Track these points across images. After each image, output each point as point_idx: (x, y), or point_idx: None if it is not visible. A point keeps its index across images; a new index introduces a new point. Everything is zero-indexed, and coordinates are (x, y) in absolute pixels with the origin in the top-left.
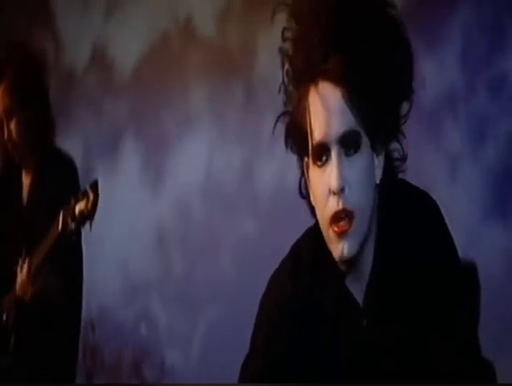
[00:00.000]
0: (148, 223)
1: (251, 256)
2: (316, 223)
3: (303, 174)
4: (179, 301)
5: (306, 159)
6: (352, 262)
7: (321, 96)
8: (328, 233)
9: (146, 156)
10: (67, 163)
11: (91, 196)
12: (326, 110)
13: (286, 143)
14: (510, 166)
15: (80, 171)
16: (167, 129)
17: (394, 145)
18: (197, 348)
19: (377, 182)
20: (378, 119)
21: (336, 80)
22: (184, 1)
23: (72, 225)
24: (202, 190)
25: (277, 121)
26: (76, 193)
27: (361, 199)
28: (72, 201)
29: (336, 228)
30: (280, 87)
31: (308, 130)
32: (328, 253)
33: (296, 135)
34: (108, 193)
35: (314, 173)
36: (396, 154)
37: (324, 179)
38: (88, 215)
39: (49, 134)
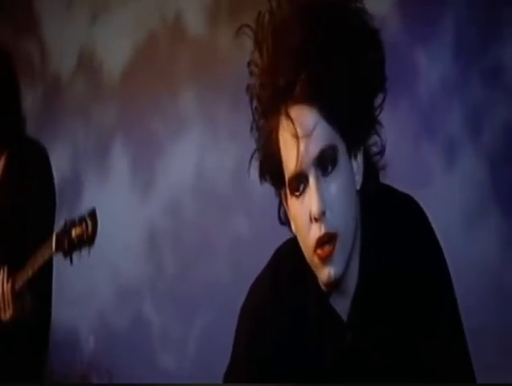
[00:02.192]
0: (140, 226)
1: (245, 258)
2: None
3: (281, 202)
4: (173, 303)
5: (284, 189)
6: (338, 282)
7: (292, 121)
8: (313, 259)
9: (136, 159)
10: (39, 152)
11: (90, 224)
12: (298, 135)
13: (260, 178)
14: (506, 155)
15: (69, 177)
16: (156, 131)
17: (372, 139)
18: (191, 350)
19: (358, 188)
20: (353, 120)
21: (307, 100)
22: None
23: (67, 248)
24: (194, 192)
25: (251, 159)
26: (54, 201)
27: (344, 218)
28: (67, 224)
29: (320, 252)
30: (251, 125)
31: (282, 162)
32: (310, 270)
33: (271, 169)
34: (98, 197)
35: (293, 204)
36: (374, 149)
37: (304, 208)
38: (88, 241)
39: (19, 123)
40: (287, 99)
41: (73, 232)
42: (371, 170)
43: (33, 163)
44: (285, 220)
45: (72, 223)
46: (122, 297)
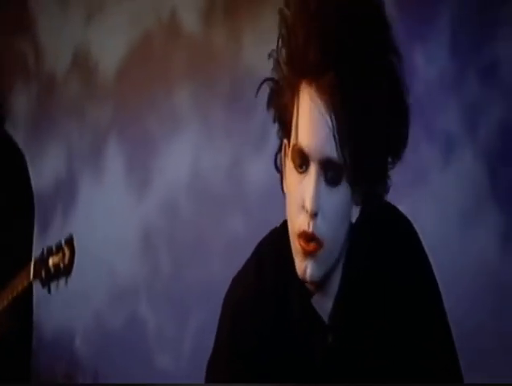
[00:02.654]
0: (135, 225)
1: (241, 257)
2: (284, 225)
3: (280, 150)
4: (168, 303)
5: (285, 141)
6: (315, 283)
7: (313, 105)
8: (295, 243)
9: (131, 158)
10: (14, 153)
11: (67, 253)
12: (314, 124)
13: (268, 106)
14: (503, 153)
15: (64, 176)
16: (152, 130)
17: (377, 188)
18: (187, 350)
19: (353, 221)
20: (363, 165)
21: (329, 100)
22: None
23: (44, 277)
24: (189, 191)
25: (261, 84)
26: (32, 227)
27: (333, 232)
28: (45, 252)
29: (302, 244)
30: (271, 54)
31: (293, 122)
32: (293, 265)
33: (280, 113)
34: (93, 197)
35: (292, 173)
36: (379, 190)
37: (301, 189)
38: (65, 271)
39: None
40: (314, 78)
41: (50, 261)
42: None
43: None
44: (280, 168)
45: (49, 252)
46: (118, 297)
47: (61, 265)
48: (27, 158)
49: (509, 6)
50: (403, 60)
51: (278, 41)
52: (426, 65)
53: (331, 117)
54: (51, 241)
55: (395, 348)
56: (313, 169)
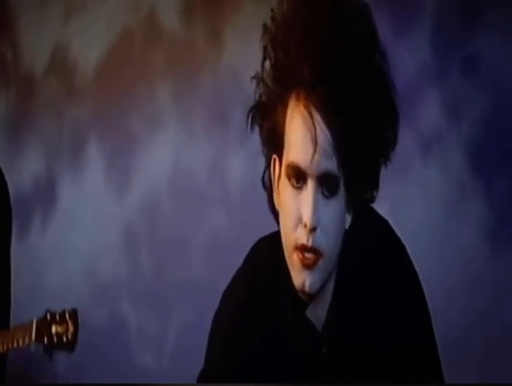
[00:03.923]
0: (116, 224)
1: (223, 255)
2: (274, 236)
3: (268, 166)
4: (150, 301)
5: (275, 156)
6: (312, 295)
7: (306, 121)
8: (292, 256)
9: (111, 156)
10: None
11: (71, 328)
12: (309, 140)
13: (251, 126)
14: (485, 146)
15: (44, 177)
16: (132, 128)
17: (366, 195)
18: (169, 349)
19: (346, 227)
20: (359, 174)
21: (324, 113)
22: None
23: (47, 343)
24: (170, 189)
25: (249, 113)
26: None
27: (331, 242)
28: (48, 317)
29: (301, 256)
30: (256, 75)
31: (285, 139)
32: (286, 276)
33: (268, 131)
34: (73, 196)
35: (286, 188)
36: (366, 197)
37: (297, 204)
38: (69, 346)
39: None
40: (307, 91)
41: (53, 329)
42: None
43: None
44: (268, 186)
45: (52, 318)
46: (99, 296)
47: (64, 339)
48: (7, 158)
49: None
50: (389, 62)
51: (263, 56)
52: (408, 60)
53: (327, 128)
54: (32, 244)
55: (388, 356)
56: (310, 184)
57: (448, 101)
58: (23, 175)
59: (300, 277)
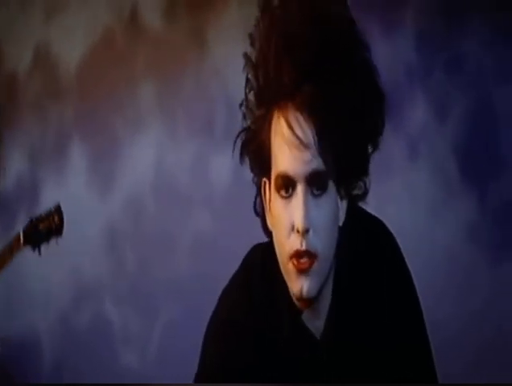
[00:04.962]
0: (100, 224)
1: (207, 254)
2: (270, 243)
3: (259, 192)
4: (134, 301)
5: (264, 179)
6: (309, 300)
7: (289, 126)
8: (287, 266)
9: (94, 157)
10: None
11: (56, 216)
12: (294, 144)
13: (241, 159)
14: (470, 143)
15: (27, 177)
16: (115, 128)
17: (357, 184)
18: (153, 349)
19: (340, 224)
20: (348, 162)
21: (308, 113)
22: None
23: (36, 240)
24: (154, 189)
25: (237, 138)
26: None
27: (325, 242)
28: (33, 220)
29: (296, 263)
30: (242, 101)
31: (272, 155)
32: (282, 284)
33: (255, 154)
34: (56, 197)
35: (276, 202)
36: (357, 191)
37: (288, 213)
38: (57, 231)
39: None
40: (289, 97)
41: (41, 226)
42: (353, 209)
43: None
44: (260, 212)
45: (38, 219)
46: (83, 296)
47: (53, 226)
48: None
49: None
50: (371, 51)
51: (245, 84)
52: (393, 58)
53: (310, 127)
54: None
55: (385, 358)
56: (299, 188)
57: (434, 101)
58: (7, 176)
59: (297, 284)
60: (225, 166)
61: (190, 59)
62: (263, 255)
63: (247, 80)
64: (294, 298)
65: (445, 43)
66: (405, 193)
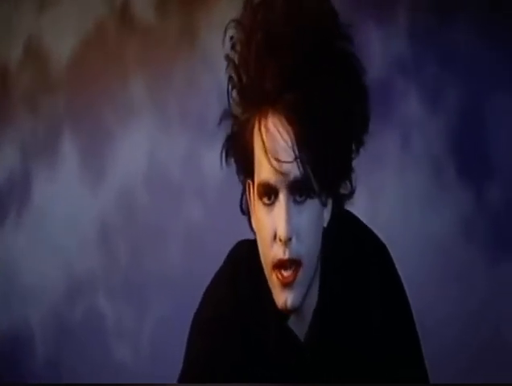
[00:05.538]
0: (92, 217)
1: (200, 247)
2: (255, 240)
3: (244, 191)
4: (127, 295)
5: (249, 181)
6: (294, 310)
7: (271, 132)
8: (271, 276)
9: (86, 149)
10: None
11: None
12: (276, 150)
13: (225, 161)
14: (462, 135)
15: (18, 171)
16: (107, 120)
17: (343, 184)
18: (146, 343)
19: (325, 225)
20: (330, 167)
21: (289, 120)
22: None
23: None
24: (146, 181)
25: (224, 147)
26: None
27: (309, 248)
28: None
29: (279, 276)
30: (224, 111)
31: (255, 160)
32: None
33: (239, 156)
34: (48, 190)
35: (259, 208)
36: (343, 191)
37: (270, 220)
38: None
39: None
40: (271, 105)
41: None
42: (338, 209)
43: None
44: (246, 211)
45: None
46: (75, 290)
47: None
48: None
49: None
50: (354, 41)
51: (228, 83)
52: (384, 50)
53: (292, 133)
54: (7, 239)
55: (373, 362)
56: (282, 196)
57: (425, 92)
58: None
59: (282, 297)
60: (217, 157)
61: (182, 53)
62: (249, 250)
63: (230, 78)
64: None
65: (437, 33)
66: (395, 186)
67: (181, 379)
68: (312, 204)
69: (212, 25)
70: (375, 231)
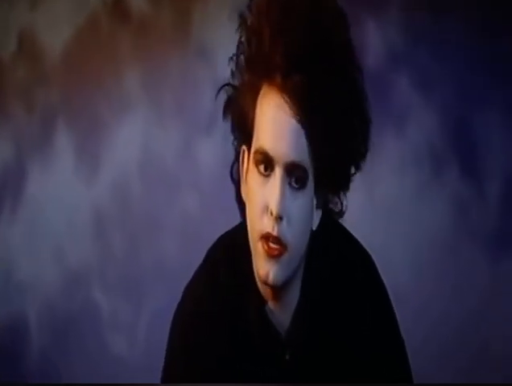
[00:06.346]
0: (87, 208)
1: (195, 237)
2: (235, 231)
3: (237, 158)
4: (122, 286)
5: (244, 147)
6: (274, 288)
7: (278, 104)
8: (257, 245)
9: (80, 142)
10: None
11: None
12: (279, 126)
13: (224, 116)
14: (456, 124)
15: (12, 163)
16: (101, 112)
17: (334, 200)
18: (142, 335)
19: (314, 228)
20: (328, 163)
21: (296, 101)
22: None
23: None
24: (141, 172)
25: (219, 91)
26: None
27: (297, 236)
28: None
29: (265, 246)
30: (232, 56)
31: (254, 127)
32: (248, 273)
33: (238, 119)
34: (43, 181)
35: (254, 176)
36: (333, 207)
37: (264, 191)
38: None
39: None
40: (279, 81)
41: None
42: (328, 221)
43: None
44: (236, 178)
45: None
46: (70, 282)
47: None
48: None
49: None
50: (362, 68)
51: (237, 46)
52: (378, 41)
53: (299, 119)
54: (1, 231)
55: (353, 363)
56: (278, 172)
57: (419, 81)
58: None
59: (265, 268)
60: (212, 148)
61: (176, 45)
62: (229, 243)
63: (240, 41)
64: (259, 282)
65: (431, 23)
66: (390, 175)
67: (163, 376)
68: (306, 199)
69: (208, 17)
70: (372, 226)
